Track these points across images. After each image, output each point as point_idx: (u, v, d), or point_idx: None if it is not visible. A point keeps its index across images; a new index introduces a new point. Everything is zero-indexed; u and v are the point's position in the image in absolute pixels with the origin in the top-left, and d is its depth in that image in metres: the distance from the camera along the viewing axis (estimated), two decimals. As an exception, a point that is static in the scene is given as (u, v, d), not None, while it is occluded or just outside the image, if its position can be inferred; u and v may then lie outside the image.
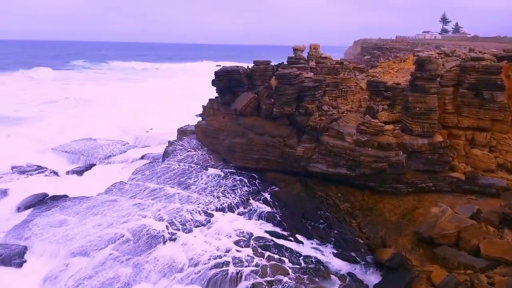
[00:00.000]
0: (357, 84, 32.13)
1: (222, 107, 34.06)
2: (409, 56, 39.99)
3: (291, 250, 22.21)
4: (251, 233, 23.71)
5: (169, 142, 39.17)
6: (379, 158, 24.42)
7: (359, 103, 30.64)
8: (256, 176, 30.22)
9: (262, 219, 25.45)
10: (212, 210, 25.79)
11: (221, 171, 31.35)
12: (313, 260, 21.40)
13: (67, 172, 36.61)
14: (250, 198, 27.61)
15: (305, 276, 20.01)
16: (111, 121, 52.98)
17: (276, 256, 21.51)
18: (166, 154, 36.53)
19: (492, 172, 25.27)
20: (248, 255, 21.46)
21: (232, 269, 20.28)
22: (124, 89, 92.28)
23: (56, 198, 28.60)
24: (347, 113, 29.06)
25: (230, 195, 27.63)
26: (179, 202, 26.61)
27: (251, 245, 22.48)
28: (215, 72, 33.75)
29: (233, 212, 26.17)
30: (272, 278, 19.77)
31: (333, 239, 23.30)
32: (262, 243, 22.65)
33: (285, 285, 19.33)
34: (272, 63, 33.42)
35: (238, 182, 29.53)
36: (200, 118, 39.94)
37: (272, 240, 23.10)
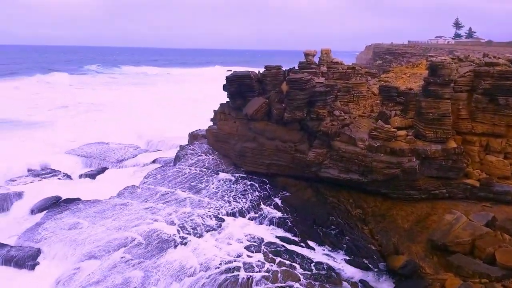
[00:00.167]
0: (369, 89, 31.94)
1: (233, 111, 34.15)
2: (422, 61, 39.64)
3: (303, 256, 22.06)
4: (262, 238, 23.62)
5: (180, 146, 39.36)
6: (391, 164, 24.18)
7: (371, 108, 30.45)
8: (267, 181, 30.17)
9: (273, 225, 25.35)
10: (223, 215, 25.79)
11: (232, 175, 31.37)
12: (325, 267, 21.22)
13: (80, 176, 36.98)
14: (261, 203, 27.55)
15: (317, 283, 19.83)
16: (123, 125, 53.47)
17: (287, 262, 21.37)
18: (177, 158, 36.70)
19: (508, 179, 24.81)
20: (259, 261, 21.36)
21: (243, 274, 20.20)
22: (135, 93, 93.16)
23: (69, 201, 28.90)
24: (359, 118, 28.89)
25: (241, 200, 27.61)
26: (190, 206, 26.67)
27: (262, 250, 22.38)
28: (226, 77, 33.88)
29: (244, 217, 26.13)
30: (283, 284, 19.63)
31: (345, 245, 23.09)
32: (273, 249, 22.54)
33: (296, 291, 19.18)
34: (283, 68, 33.41)
35: (249, 187, 29.51)
36: (211, 123, 40.08)
37: (283, 246, 22.97)
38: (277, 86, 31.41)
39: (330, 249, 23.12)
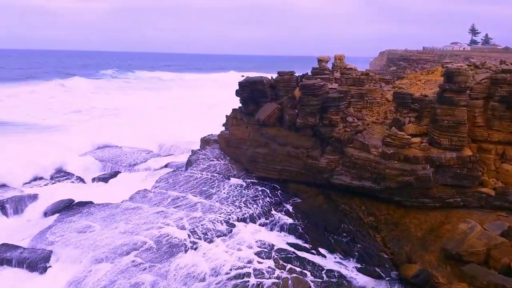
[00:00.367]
0: (383, 95, 31.64)
1: (245, 117, 34.17)
2: (437, 67, 39.13)
3: (313, 263, 21.86)
4: (273, 244, 23.48)
5: (192, 151, 39.51)
6: (405, 172, 23.85)
7: (384, 115, 30.15)
8: (278, 187, 30.04)
9: (284, 231, 25.19)
10: (233, 220, 25.73)
11: (243, 181, 31.33)
12: (336, 275, 20.99)
13: (93, 179, 37.39)
14: (272, 209, 27.42)
15: (327, 291, 19.61)
16: (136, 129, 53.93)
17: (298, 269, 21.19)
18: (189, 163, 36.83)
19: (524, 188, 24.25)
20: (269, 267, 21.22)
21: (253, 280, 20.08)
22: (149, 98, 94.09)
23: (81, 204, 29.19)
24: (372, 125, 28.61)
25: (252, 206, 27.53)
26: (201, 211, 26.68)
27: (272, 256, 22.24)
28: (239, 82, 33.98)
29: (255, 222, 26.03)
30: (294, 291, 19.45)
31: (357, 253, 22.81)
32: (283, 255, 22.38)
33: (307, 299, 18.98)
34: (296, 74, 33.37)
35: (260, 192, 29.41)
36: (223, 128, 40.18)
37: (294, 253, 22.80)
38: (290, 92, 31.35)
39: (342, 256, 22.86)
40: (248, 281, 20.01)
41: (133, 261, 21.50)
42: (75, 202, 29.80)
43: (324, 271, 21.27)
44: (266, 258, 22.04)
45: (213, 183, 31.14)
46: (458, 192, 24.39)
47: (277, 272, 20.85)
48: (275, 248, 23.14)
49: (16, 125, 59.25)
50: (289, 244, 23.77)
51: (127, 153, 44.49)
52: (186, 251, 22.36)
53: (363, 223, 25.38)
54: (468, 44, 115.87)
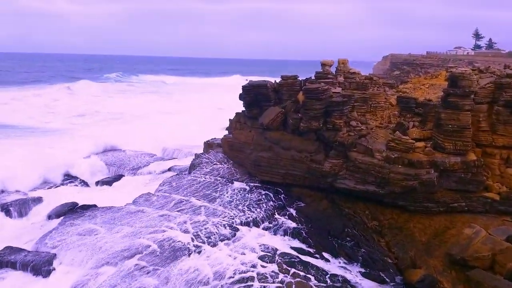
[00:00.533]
0: (386, 99, 31.62)
1: (249, 121, 34.19)
2: (441, 72, 39.11)
3: (317, 268, 21.77)
4: (276, 248, 23.41)
5: (195, 154, 39.54)
6: (409, 176, 23.78)
7: (388, 119, 30.11)
8: (282, 191, 29.99)
9: (287, 235, 25.14)
10: (237, 224, 25.69)
11: (246, 185, 31.31)
12: (340, 279, 20.89)
13: (97, 183, 37.47)
14: (276, 213, 27.37)
15: (331, 295, 19.52)
16: (140, 133, 54.09)
17: (302, 273, 21.11)
18: (192, 167, 36.84)
19: (530, 193, 24.12)
20: (273, 271, 21.16)
21: (256, 284, 20.03)
22: (152, 102, 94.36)
23: (85, 207, 29.22)
24: (376, 129, 28.56)
25: (255, 209, 27.48)
26: (204, 215, 26.66)
27: (276, 261, 22.17)
28: (242, 86, 34.03)
29: (258, 226, 25.98)
30: (297, 296, 19.37)
31: (361, 258, 22.70)
32: (287, 259, 22.30)
33: (311, 304, 18.90)
34: (300, 78, 33.40)
35: (264, 196, 29.38)
36: (226, 132, 40.21)
37: (298, 257, 22.73)
38: (293, 96, 31.36)
39: (346, 261, 22.77)
40: (252, 285, 19.96)
41: (137, 264, 21.47)
42: (79, 205, 29.83)
43: (328, 275, 21.19)
44: (269, 262, 21.97)
45: (216, 186, 31.14)
46: (463, 196, 24.30)
47: (281, 276, 20.78)
48: (279, 252, 23.07)
49: (19, 128, 59.51)
50: (292, 248, 23.71)
51: (130, 157, 44.58)
52: (189, 254, 22.33)
53: (367, 227, 25.29)
54: (471, 49, 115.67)
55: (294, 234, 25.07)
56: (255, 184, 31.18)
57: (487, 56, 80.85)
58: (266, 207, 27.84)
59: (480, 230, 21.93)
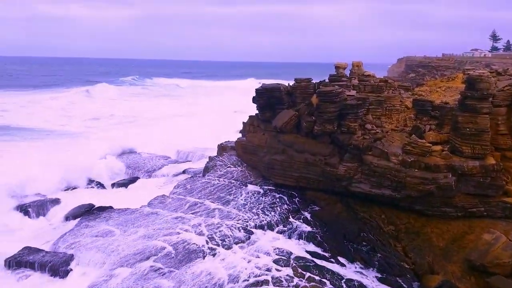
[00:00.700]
0: (402, 102, 31.24)
1: (262, 124, 34.19)
2: (457, 74, 38.54)
3: (333, 272, 21.58)
4: (291, 252, 23.30)
5: (209, 157, 39.67)
6: (426, 180, 23.41)
7: (404, 122, 29.75)
8: (296, 194, 29.85)
9: (302, 239, 25.00)
10: (251, 227, 25.66)
11: (260, 188, 31.27)
12: (356, 284, 20.67)
13: (113, 185, 37.89)
14: (290, 216, 27.25)
15: (347, 300, 19.32)
16: (154, 136, 54.54)
17: (317, 278, 20.95)
18: (206, 170, 36.97)
19: (551, 198, 23.53)
20: (288, 275, 21.05)
21: (271, 288, 19.94)
22: (167, 105, 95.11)
23: (101, 209, 29.57)
24: (392, 132, 28.27)
25: (270, 213, 27.42)
26: (219, 218, 26.71)
27: (291, 264, 22.06)
28: (255, 89, 34.08)
29: (273, 230, 25.89)
30: (312, 300, 19.23)
31: (377, 263, 22.46)
32: (302, 263, 22.17)
33: (326, 308, 18.73)
34: (314, 81, 33.28)
35: (278, 199, 29.29)
36: (240, 135, 40.26)
37: (313, 261, 22.57)
38: (307, 99, 31.27)
39: (362, 266, 22.53)
40: (267, 288, 19.87)
41: (152, 266, 21.62)
42: (96, 207, 30.22)
43: (344, 280, 20.98)
44: (284, 266, 21.87)
45: (230, 189, 31.17)
46: (481, 201, 23.82)
47: (296, 280, 20.66)
48: (294, 256, 22.95)
49: (35, 131, 60.49)
50: (307, 252, 23.56)
51: (145, 159, 44.99)
52: (204, 257, 22.39)
53: (383, 232, 24.99)
54: (489, 51, 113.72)
55: (309, 238, 24.92)
56: (269, 187, 31.11)
57: (505, 58, 79.34)
58: (281, 210, 27.75)
59: (500, 235, 21.50)
